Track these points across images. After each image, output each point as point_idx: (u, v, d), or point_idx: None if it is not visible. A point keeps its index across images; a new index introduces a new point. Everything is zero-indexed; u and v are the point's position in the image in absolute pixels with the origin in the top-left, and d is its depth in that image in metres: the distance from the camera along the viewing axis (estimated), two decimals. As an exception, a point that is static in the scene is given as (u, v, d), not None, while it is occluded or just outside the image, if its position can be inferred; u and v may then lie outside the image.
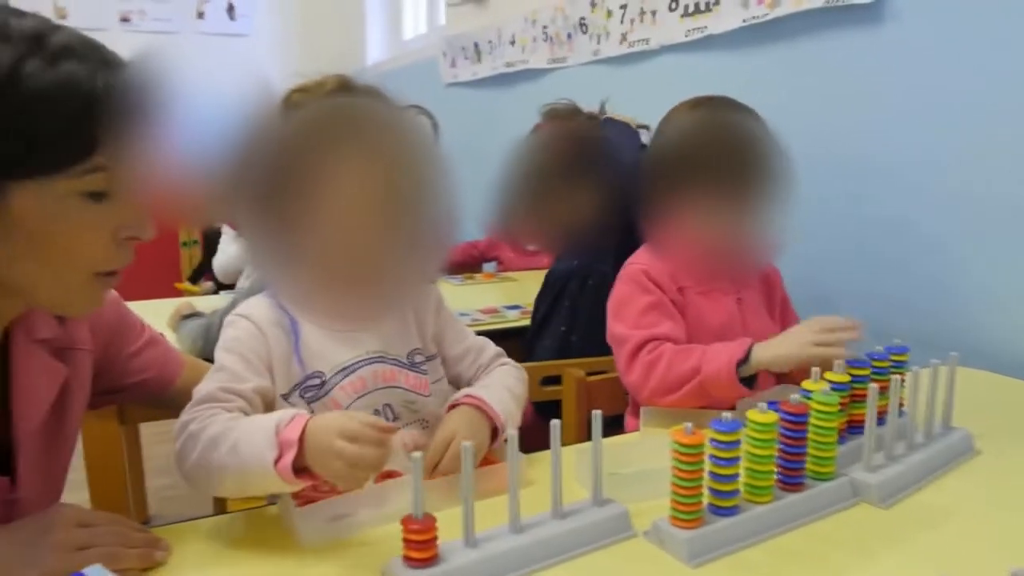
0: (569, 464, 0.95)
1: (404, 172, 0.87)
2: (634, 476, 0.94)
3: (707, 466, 0.80)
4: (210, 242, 3.79)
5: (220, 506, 1.18)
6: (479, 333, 1.17)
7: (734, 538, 0.82)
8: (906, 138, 1.67)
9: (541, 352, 1.74)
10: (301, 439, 0.81)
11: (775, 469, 0.86)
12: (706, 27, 2.16)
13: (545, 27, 2.93)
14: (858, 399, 0.99)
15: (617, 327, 1.29)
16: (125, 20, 4.92)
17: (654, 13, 2.36)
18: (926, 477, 0.98)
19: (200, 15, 5.14)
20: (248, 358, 0.97)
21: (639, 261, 1.33)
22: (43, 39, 0.74)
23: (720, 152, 1.20)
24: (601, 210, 1.46)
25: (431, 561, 0.73)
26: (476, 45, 3.41)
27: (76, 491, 0.97)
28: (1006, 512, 0.91)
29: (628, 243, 1.37)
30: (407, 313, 1.09)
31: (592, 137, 1.78)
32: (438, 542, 0.73)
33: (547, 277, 1.84)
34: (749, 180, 1.18)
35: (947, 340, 1.48)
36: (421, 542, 0.72)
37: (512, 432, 0.79)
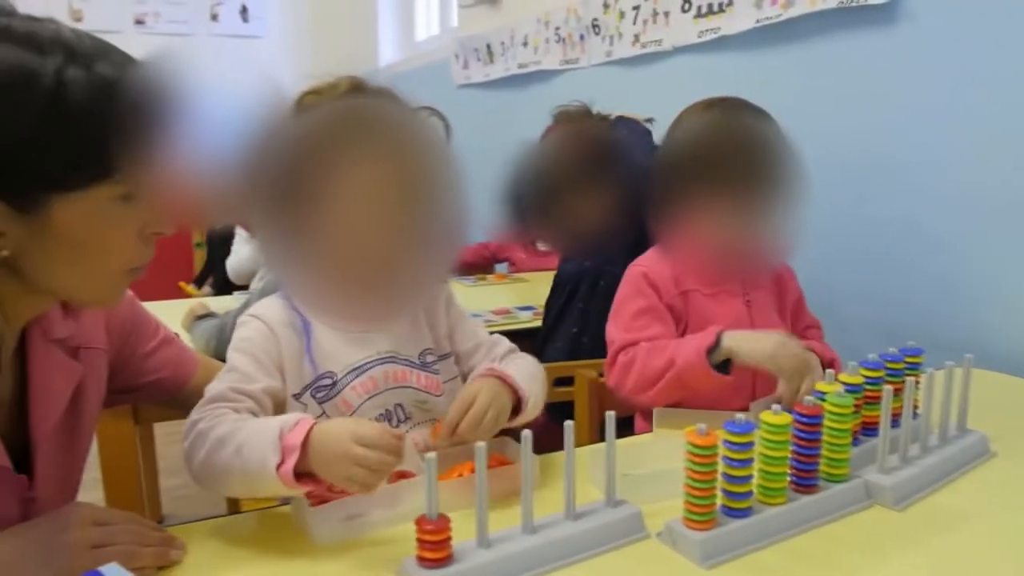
0: (582, 465, 0.95)
1: (416, 173, 0.87)
2: (647, 477, 0.94)
3: (720, 467, 0.80)
4: (214, 247, 3.80)
5: (233, 506, 1.18)
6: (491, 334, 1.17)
7: (747, 540, 0.82)
8: (920, 138, 1.66)
9: (553, 354, 1.74)
10: (304, 444, 0.82)
11: (789, 471, 0.86)
12: (719, 28, 2.15)
13: (558, 28, 2.92)
14: (872, 401, 0.98)
15: (609, 328, 1.31)
16: (140, 22, 4.95)
17: (667, 14, 2.36)
18: (941, 479, 0.97)
19: (214, 17, 5.18)
20: (259, 358, 0.98)
21: (642, 263, 1.33)
22: (70, 45, 0.74)
23: (732, 153, 1.20)
24: (613, 212, 1.46)
25: (445, 561, 0.73)
26: (488, 46, 3.41)
27: (91, 490, 0.98)
28: (1022, 515, 0.90)
29: (640, 244, 1.37)
30: (418, 313, 1.09)
31: (604, 139, 1.78)
32: (452, 542, 0.74)
33: (557, 278, 1.84)
34: (761, 181, 1.17)
35: (959, 342, 1.48)
36: (435, 542, 0.72)
37: (526, 433, 0.80)
